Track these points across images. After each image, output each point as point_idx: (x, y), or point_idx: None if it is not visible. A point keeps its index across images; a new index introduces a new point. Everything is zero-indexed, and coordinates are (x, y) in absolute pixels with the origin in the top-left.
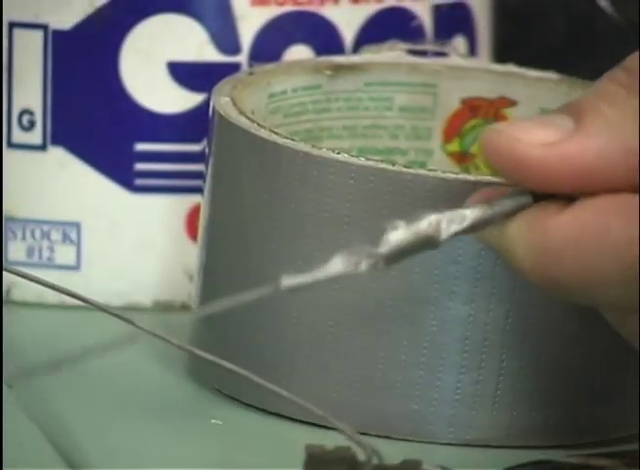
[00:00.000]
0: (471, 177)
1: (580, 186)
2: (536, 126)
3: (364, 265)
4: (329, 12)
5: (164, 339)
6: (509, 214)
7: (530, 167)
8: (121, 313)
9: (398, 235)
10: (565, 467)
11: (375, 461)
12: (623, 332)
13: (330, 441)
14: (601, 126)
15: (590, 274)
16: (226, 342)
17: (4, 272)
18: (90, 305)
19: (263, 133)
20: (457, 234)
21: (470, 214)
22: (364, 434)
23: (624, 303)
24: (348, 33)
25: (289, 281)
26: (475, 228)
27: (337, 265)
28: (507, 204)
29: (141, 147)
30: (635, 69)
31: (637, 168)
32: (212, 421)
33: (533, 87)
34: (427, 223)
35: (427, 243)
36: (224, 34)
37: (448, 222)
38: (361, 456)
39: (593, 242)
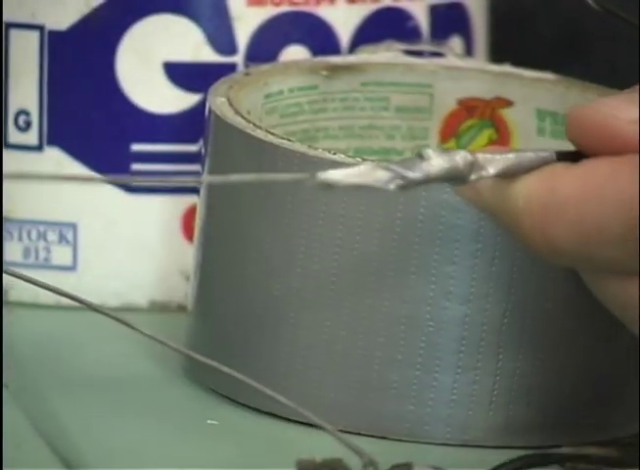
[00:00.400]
0: None
1: None
2: (628, 104)
3: (394, 184)
4: (325, 12)
5: (161, 341)
6: (533, 167)
7: (627, 143)
8: (117, 314)
9: (434, 165)
10: (555, 457)
11: (368, 467)
12: (620, 307)
13: (324, 441)
14: None
15: (590, 233)
16: (223, 342)
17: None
18: (87, 306)
19: (259, 134)
20: (483, 178)
21: (499, 161)
22: (360, 434)
23: (622, 266)
24: (344, 34)
25: (323, 175)
26: (500, 175)
27: (369, 172)
28: (533, 157)
29: (137, 147)
30: None
31: None
32: (208, 421)
33: (530, 87)
34: (462, 161)
35: (455, 178)
36: (220, 35)
37: (480, 165)
38: (352, 462)
39: (595, 200)
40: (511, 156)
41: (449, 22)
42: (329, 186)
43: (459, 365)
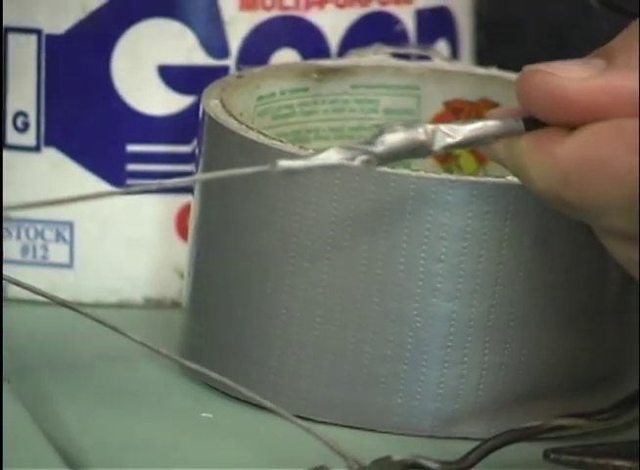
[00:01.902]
0: (452, 177)
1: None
2: (571, 65)
3: (358, 161)
4: (315, 17)
5: (154, 349)
6: (500, 136)
7: (569, 99)
8: (107, 321)
9: (394, 137)
10: (530, 430)
11: (353, 467)
12: (625, 262)
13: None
14: (634, 63)
15: (593, 200)
16: (216, 338)
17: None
18: (79, 312)
19: (252, 135)
20: (449, 147)
21: (463, 130)
22: (350, 427)
23: (627, 230)
24: (334, 38)
25: (285, 163)
26: (465, 144)
27: (332, 156)
28: (499, 126)
29: (132, 148)
30: None
31: None
32: (203, 414)
33: (515, 90)
34: (423, 131)
35: (419, 149)
36: (213, 39)
37: (443, 134)
38: (336, 464)
39: (595, 169)
40: (478, 124)
41: (435, 26)
42: (291, 173)
43: (446, 360)
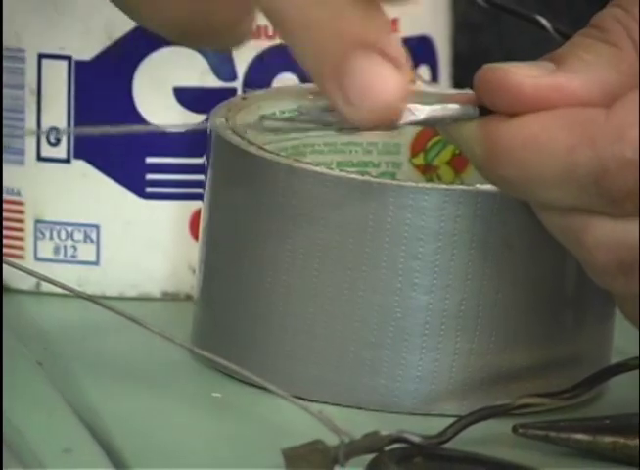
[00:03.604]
0: (427, 185)
1: None
2: (525, 66)
3: (334, 129)
4: None
5: (168, 338)
6: (456, 118)
7: (522, 93)
8: (127, 313)
9: None
10: (499, 409)
11: (345, 441)
12: (563, 235)
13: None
14: (580, 66)
15: (532, 175)
16: (223, 326)
17: (35, 269)
18: (101, 305)
19: (252, 149)
20: (412, 123)
21: (425, 110)
22: (339, 405)
23: (562, 203)
24: None
25: (268, 124)
26: (427, 123)
27: (317, 117)
28: (458, 109)
29: (151, 160)
30: (602, 25)
31: (613, 100)
32: (213, 394)
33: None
34: None
35: (387, 123)
36: (222, 64)
37: (408, 112)
38: (330, 438)
39: (536, 147)
40: (438, 106)
41: (418, 53)
42: (274, 130)
43: (423, 346)
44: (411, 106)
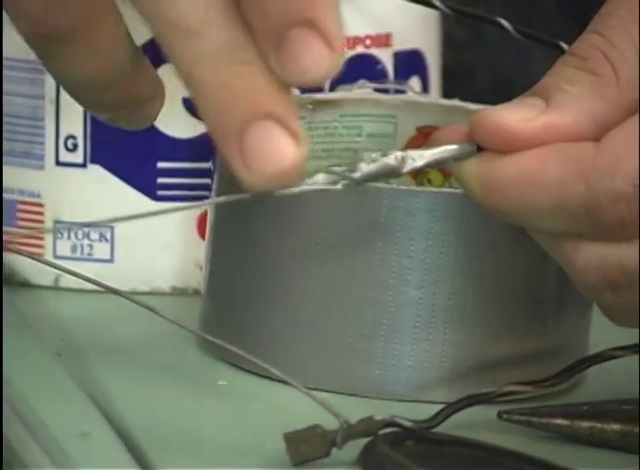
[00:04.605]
0: (418, 189)
1: None
2: (516, 107)
3: (340, 185)
4: None
5: (178, 324)
6: (457, 158)
7: (517, 138)
8: (144, 301)
9: (370, 166)
10: (485, 396)
11: (343, 425)
12: (556, 256)
13: (307, 399)
14: (567, 101)
15: (527, 208)
16: (228, 319)
17: (51, 265)
18: (119, 294)
19: None
20: (415, 169)
21: (426, 155)
22: (336, 393)
23: (555, 231)
24: None
25: (281, 190)
26: (429, 166)
27: (319, 180)
28: (457, 150)
29: (162, 165)
30: (581, 53)
31: (604, 129)
32: (219, 382)
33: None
34: (394, 158)
35: (391, 173)
36: None
37: (411, 159)
38: (329, 423)
39: (530, 182)
40: (438, 149)
41: (410, 65)
42: (292, 196)
43: (414, 338)
44: (412, 153)
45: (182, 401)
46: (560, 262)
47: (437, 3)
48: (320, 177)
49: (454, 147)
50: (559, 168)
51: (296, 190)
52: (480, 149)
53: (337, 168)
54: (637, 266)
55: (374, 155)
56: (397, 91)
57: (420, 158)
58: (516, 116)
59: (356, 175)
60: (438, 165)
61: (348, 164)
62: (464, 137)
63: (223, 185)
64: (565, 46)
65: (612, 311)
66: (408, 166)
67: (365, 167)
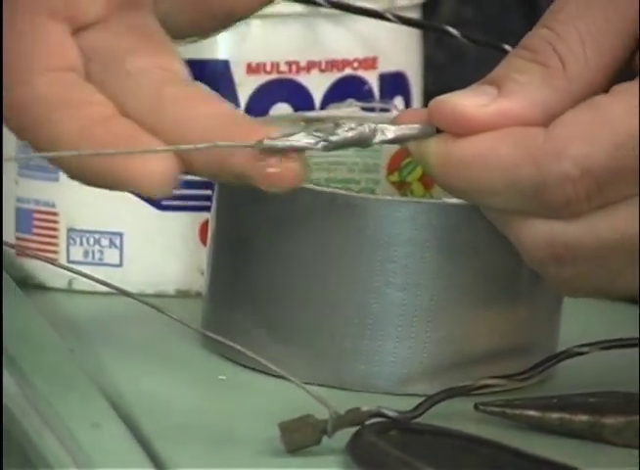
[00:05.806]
0: (402, 198)
1: None
2: (469, 94)
3: (320, 145)
4: (303, 79)
5: (184, 323)
6: (418, 137)
7: (471, 122)
8: (151, 302)
9: (347, 132)
10: (461, 389)
11: (333, 416)
12: (507, 231)
13: (301, 393)
14: (517, 90)
15: (480, 187)
16: (227, 321)
17: (67, 269)
18: (128, 296)
19: None
20: (383, 142)
21: (392, 129)
22: (326, 386)
23: (506, 208)
24: (317, 95)
25: (268, 142)
26: (395, 141)
27: (301, 139)
28: (418, 129)
29: None
30: (532, 46)
31: (552, 117)
32: (220, 377)
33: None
34: (367, 128)
35: (364, 142)
36: (227, 96)
37: (380, 132)
38: (320, 414)
39: (483, 163)
40: (403, 126)
41: (394, 86)
42: (272, 150)
43: (398, 336)
44: (382, 126)
45: (185, 394)
46: (510, 238)
47: (389, 15)
48: (302, 137)
49: (416, 126)
50: (510, 151)
51: (279, 144)
52: (439, 131)
53: (318, 132)
54: (580, 243)
55: (352, 124)
56: (382, 110)
57: (387, 131)
58: (470, 101)
59: (334, 138)
60: (402, 142)
61: (329, 128)
62: (424, 120)
63: (223, 196)
64: (508, 48)
65: (556, 283)
66: (378, 138)
67: (343, 133)
